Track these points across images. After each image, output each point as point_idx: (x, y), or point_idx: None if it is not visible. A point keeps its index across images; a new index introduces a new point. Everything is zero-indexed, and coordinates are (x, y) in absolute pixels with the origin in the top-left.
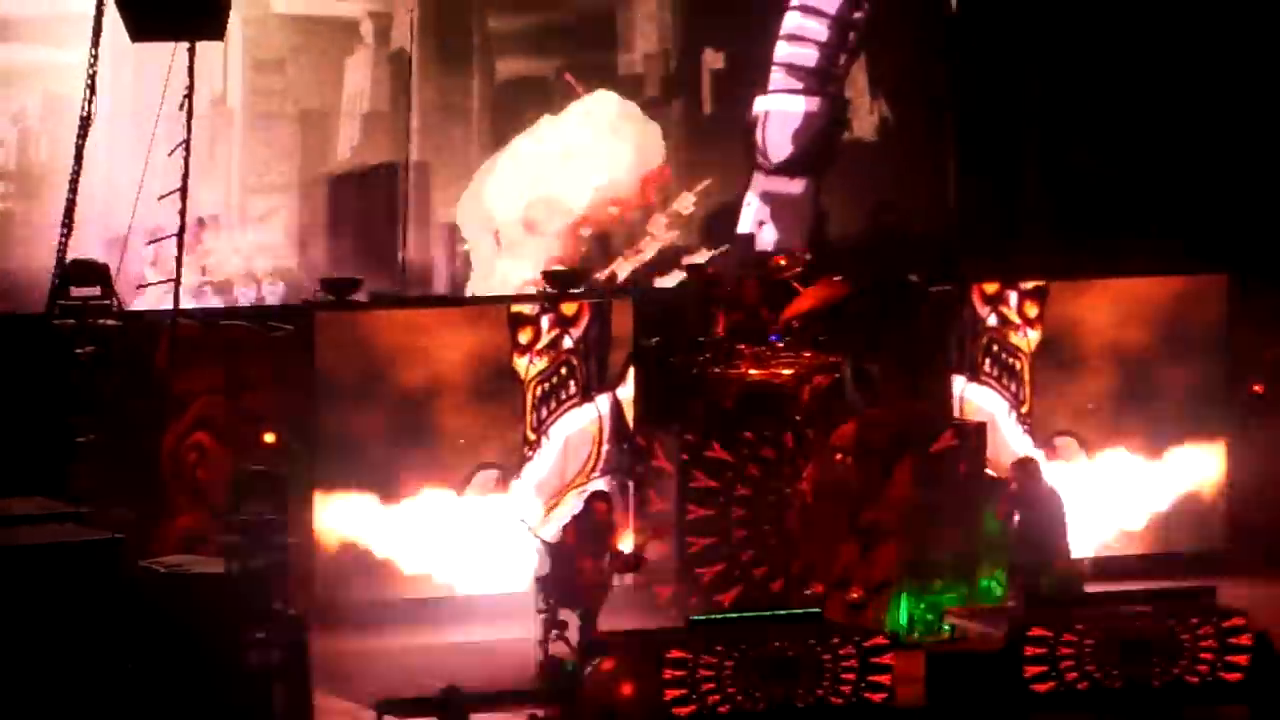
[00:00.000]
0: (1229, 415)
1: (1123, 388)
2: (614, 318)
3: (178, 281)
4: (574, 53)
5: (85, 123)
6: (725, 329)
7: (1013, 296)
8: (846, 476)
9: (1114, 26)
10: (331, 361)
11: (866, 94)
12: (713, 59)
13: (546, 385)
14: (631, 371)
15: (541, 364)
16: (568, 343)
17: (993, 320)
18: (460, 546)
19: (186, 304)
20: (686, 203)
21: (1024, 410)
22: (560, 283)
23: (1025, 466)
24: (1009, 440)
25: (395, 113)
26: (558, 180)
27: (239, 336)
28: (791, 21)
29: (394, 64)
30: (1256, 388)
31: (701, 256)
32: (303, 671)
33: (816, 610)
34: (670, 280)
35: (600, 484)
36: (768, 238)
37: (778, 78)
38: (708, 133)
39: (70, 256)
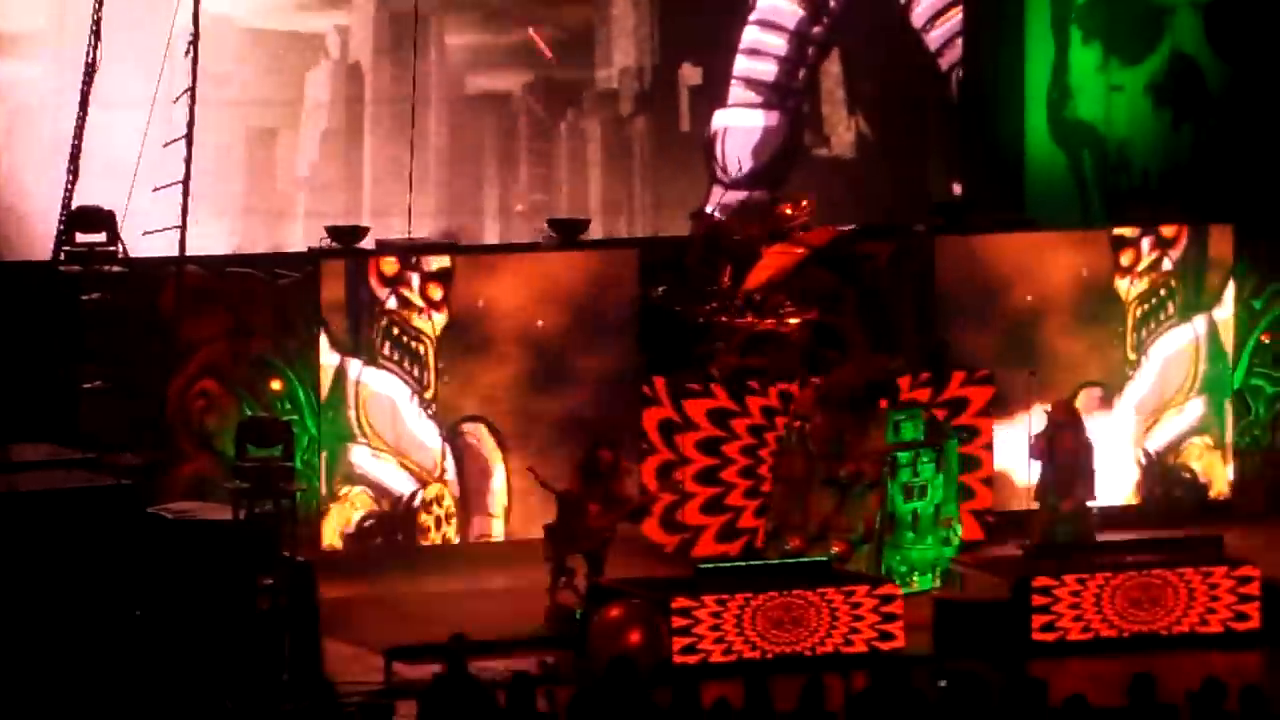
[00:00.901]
0: None
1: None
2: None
3: (183, 228)
4: (548, 67)
5: (90, 69)
6: (731, 278)
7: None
8: (834, 421)
9: None
10: None
11: (843, 108)
12: (691, 74)
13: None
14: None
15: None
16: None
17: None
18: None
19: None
20: None
21: (428, 395)
22: (566, 231)
23: (1067, 409)
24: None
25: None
26: None
27: (246, 283)
28: (750, 35)
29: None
30: (1263, 337)
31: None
32: (311, 618)
33: (825, 559)
34: None
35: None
36: None
37: (736, 92)
38: (684, 147)
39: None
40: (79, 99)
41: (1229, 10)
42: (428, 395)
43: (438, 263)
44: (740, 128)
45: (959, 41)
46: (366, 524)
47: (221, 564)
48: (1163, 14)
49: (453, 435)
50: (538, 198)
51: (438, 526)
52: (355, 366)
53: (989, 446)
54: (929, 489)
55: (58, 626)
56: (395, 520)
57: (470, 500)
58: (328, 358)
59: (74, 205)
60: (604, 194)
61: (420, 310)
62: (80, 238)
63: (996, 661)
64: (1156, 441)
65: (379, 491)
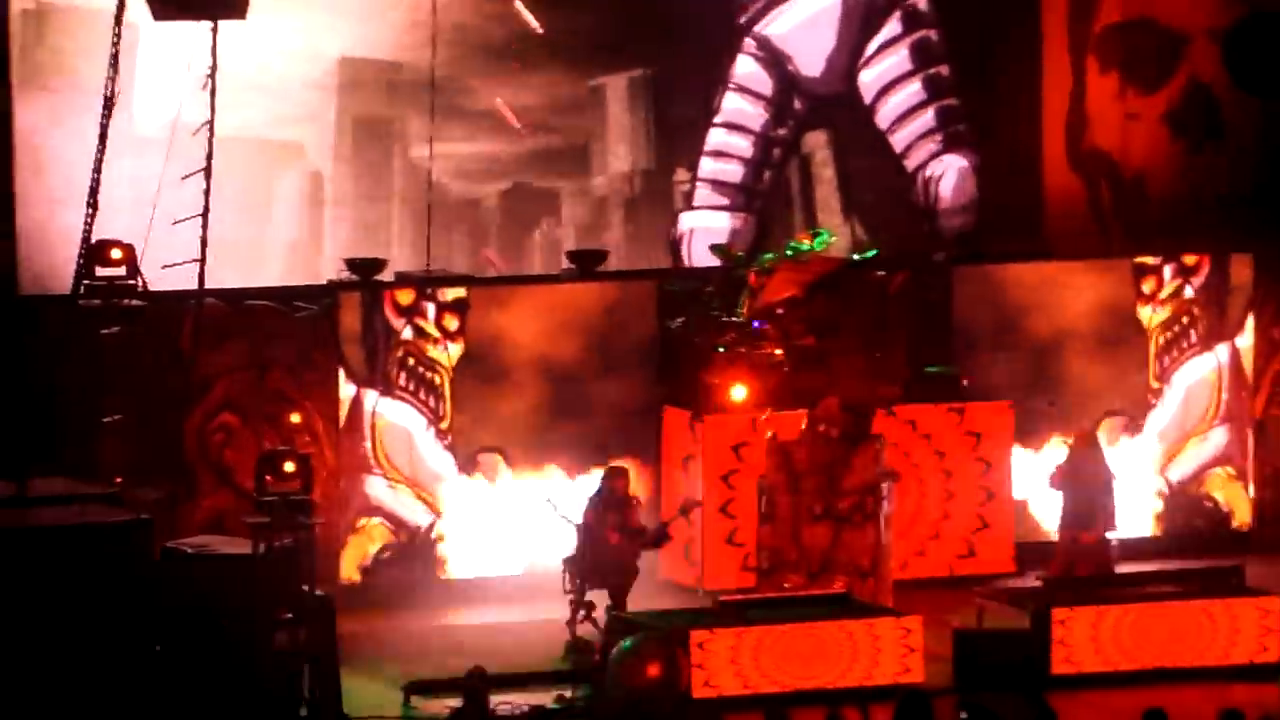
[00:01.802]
0: None
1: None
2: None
3: (202, 261)
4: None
5: (109, 102)
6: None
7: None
8: (825, 452)
9: None
10: None
11: (839, 215)
12: (684, 178)
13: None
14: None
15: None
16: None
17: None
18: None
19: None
20: None
21: (443, 426)
22: (584, 262)
23: (1086, 437)
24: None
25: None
26: None
27: (264, 317)
28: (716, 137)
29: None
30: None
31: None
32: (330, 652)
33: (844, 592)
34: None
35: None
36: None
37: (702, 194)
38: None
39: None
40: (98, 132)
41: (1246, 39)
42: (443, 426)
43: (453, 294)
44: (705, 229)
45: (928, 144)
46: (384, 556)
47: (240, 598)
48: (1180, 42)
49: (469, 466)
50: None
51: (452, 561)
52: (371, 397)
53: (1010, 478)
54: None
55: (76, 662)
56: (414, 552)
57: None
58: (346, 389)
59: (93, 239)
60: None
61: (436, 341)
62: (100, 271)
63: (1022, 691)
64: (1178, 471)
65: (396, 523)
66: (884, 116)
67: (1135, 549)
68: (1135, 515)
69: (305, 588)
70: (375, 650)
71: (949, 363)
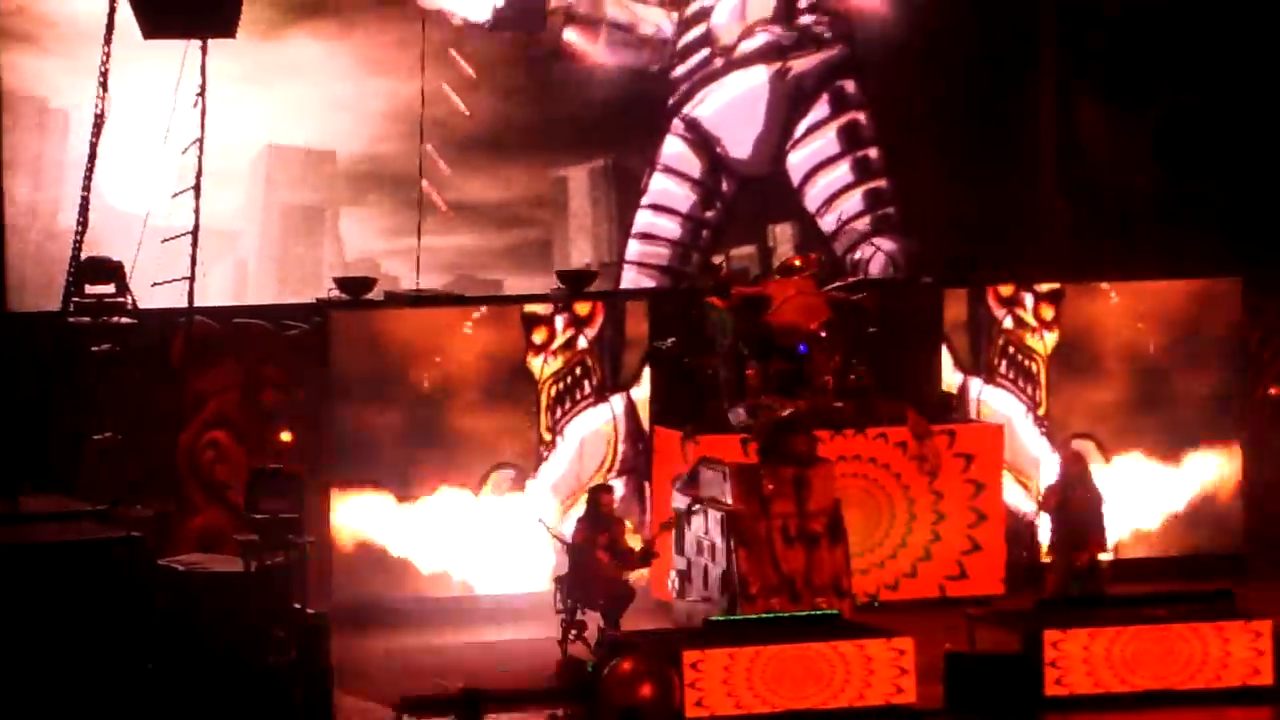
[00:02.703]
0: (1245, 419)
1: (1139, 391)
2: (628, 318)
3: (192, 279)
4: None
5: (99, 120)
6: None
7: (1029, 299)
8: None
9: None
10: (346, 360)
11: None
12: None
13: (561, 385)
14: (647, 371)
15: (556, 364)
16: (582, 343)
17: (1009, 323)
18: (478, 546)
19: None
20: None
21: (1040, 413)
22: (574, 283)
23: (1077, 458)
24: (1026, 443)
25: None
26: None
27: (255, 335)
28: (643, 219)
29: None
30: (1273, 390)
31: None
32: (321, 670)
33: (835, 612)
34: None
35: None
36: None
37: (629, 277)
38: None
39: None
40: (88, 151)
41: (1233, 62)
42: None
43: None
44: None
45: (854, 228)
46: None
47: (232, 616)
48: (1167, 66)
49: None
50: None
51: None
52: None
53: (1000, 500)
54: None
55: (68, 678)
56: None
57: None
58: None
59: (83, 256)
60: None
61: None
62: (89, 289)
63: (1014, 713)
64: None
65: None
66: (812, 199)
67: (1130, 570)
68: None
69: (297, 605)
70: (368, 668)
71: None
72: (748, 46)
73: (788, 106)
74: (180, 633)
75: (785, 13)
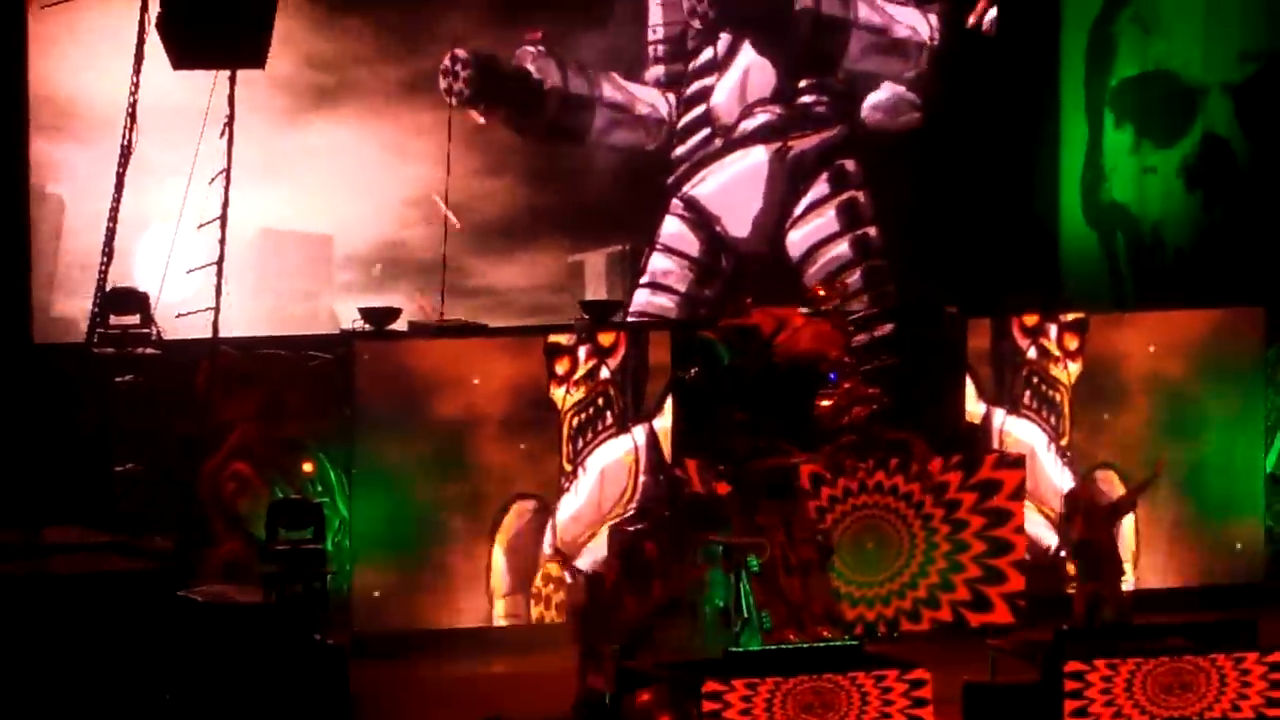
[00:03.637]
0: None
1: (1162, 420)
2: (651, 348)
3: (217, 309)
4: None
5: (126, 151)
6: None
7: (1053, 329)
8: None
9: None
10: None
11: None
12: None
13: (583, 416)
14: (669, 402)
15: (578, 394)
16: (604, 373)
17: (1033, 353)
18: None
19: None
20: None
21: (1064, 443)
22: (597, 312)
23: (1098, 488)
24: (1049, 473)
25: None
26: None
27: (278, 365)
28: (640, 298)
29: None
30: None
31: None
32: (342, 701)
33: (855, 642)
34: None
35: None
36: None
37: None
38: None
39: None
40: (115, 181)
41: (1260, 93)
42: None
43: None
44: None
45: (854, 306)
46: None
47: (253, 648)
48: (1194, 96)
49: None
50: None
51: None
52: None
53: (1020, 530)
54: None
55: (89, 710)
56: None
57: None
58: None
59: (108, 287)
60: None
61: None
62: (114, 320)
63: None
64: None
65: None
66: (811, 277)
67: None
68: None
69: (318, 637)
70: (388, 700)
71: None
72: (748, 126)
73: (787, 185)
74: (200, 664)
75: (785, 93)
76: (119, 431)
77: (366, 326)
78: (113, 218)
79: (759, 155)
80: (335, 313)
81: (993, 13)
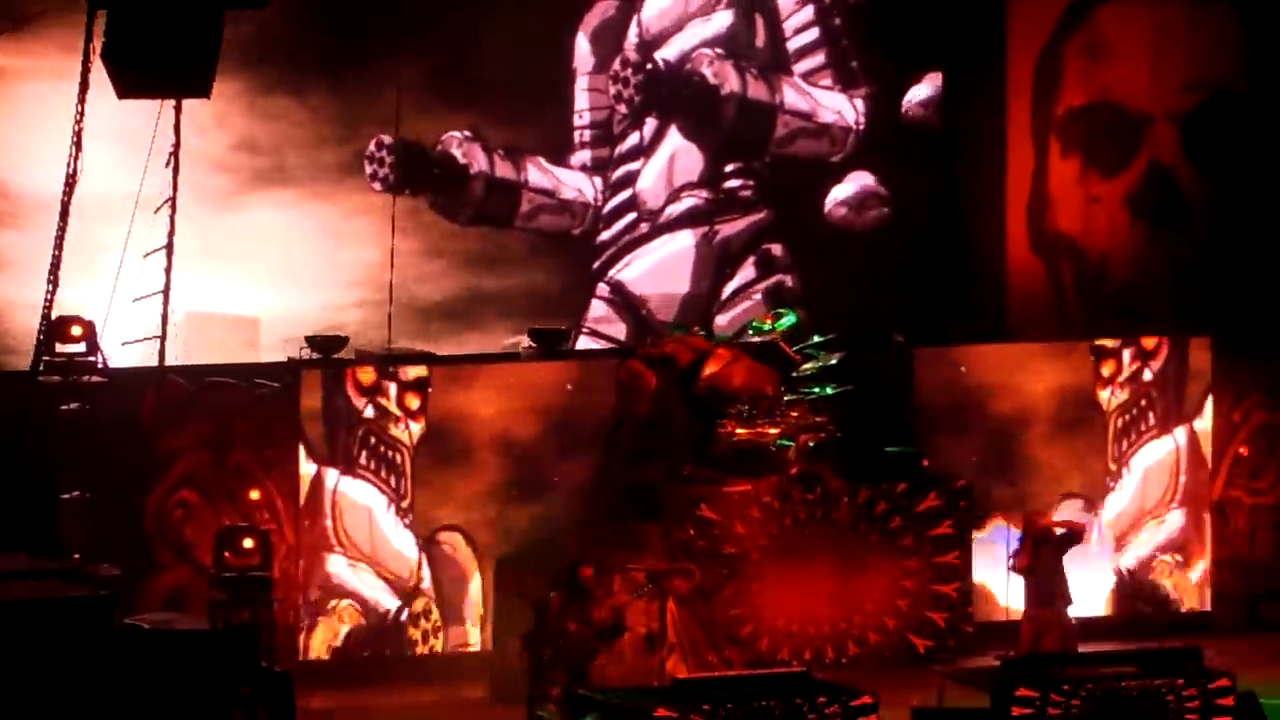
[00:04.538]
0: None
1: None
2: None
3: (163, 338)
4: None
5: (71, 180)
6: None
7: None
8: None
9: None
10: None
11: None
12: None
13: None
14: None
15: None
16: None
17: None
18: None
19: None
20: None
21: (404, 504)
22: (545, 341)
23: (1045, 517)
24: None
25: None
26: None
27: (225, 394)
28: None
29: None
30: (1243, 450)
31: None
32: None
33: (802, 670)
34: None
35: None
36: None
37: None
38: None
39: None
40: (59, 209)
41: (1206, 123)
42: (404, 504)
43: (415, 372)
44: None
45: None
46: (354, 638)
47: (199, 675)
48: (1141, 126)
49: (429, 544)
50: None
51: (424, 640)
52: (333, 476)
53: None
54: None
55: None
56: (384, 635)
57: (446, 609)
58: (306, 467)
59: (54, 315)
60: None
61: (397, 419)
62: (60, 347)
63: None
64: (1132, 555)
65: (363, 605)
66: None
67: (1094, 629)
68: (1093, 596)
69: (264, 664)
70: None
71: (909, 444)
72: (674, 210)
73: (714, 269)
74: (147, 692)
75: (712, 177)
76: (65, 459)
77: (314, 355)
78: (58, 245)
79: (686, 239)
80: None
81: (924, 91)
